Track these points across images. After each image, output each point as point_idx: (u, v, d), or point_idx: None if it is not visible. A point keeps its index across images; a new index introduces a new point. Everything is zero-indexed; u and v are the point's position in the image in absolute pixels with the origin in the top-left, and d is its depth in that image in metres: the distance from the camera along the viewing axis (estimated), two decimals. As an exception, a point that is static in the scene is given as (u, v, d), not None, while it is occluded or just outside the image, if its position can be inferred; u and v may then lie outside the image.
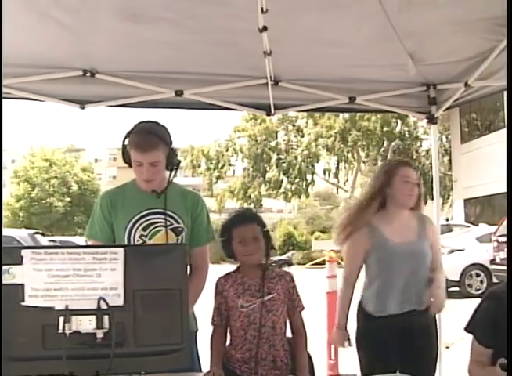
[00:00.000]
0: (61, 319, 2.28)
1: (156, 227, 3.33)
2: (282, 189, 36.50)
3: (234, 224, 3.08)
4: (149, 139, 3.23)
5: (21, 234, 18.43)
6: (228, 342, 3.07)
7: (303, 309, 3.11)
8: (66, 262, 2.36)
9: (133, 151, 3.25)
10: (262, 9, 3.22)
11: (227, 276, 3.11)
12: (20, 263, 2.34)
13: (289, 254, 36.94)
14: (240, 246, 3.04)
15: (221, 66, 4.45)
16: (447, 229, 17.86)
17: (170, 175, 3.41)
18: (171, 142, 3.35)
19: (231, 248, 3.07)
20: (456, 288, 14.71)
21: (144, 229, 3.32)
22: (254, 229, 3.05)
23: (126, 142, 3.31)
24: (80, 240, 29.09)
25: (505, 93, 3.97)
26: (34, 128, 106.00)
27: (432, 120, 5.17)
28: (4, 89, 4.39)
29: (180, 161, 3.47)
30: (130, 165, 3.32)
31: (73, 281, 2.34)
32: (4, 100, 4.51)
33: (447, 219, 20.70)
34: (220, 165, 36.79)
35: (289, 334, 3.11)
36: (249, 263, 3.06)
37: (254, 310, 2.98)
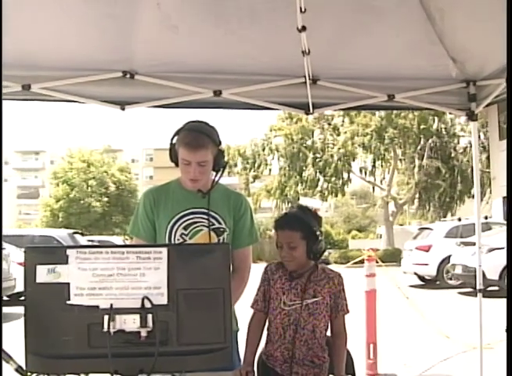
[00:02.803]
0: (106, 317, 2.30)
1: (197, 227, 3.32)
2: (318, 188, 36.35)
3: (276, 226, 3.06)
4: (199, 137, 3.21)
5: (61, 234, 18.75)
6: (266, 335, 3.05)
7: (347, 312, 3.05)
8: (111, 261, 2.38)
9: (182, 149, 3.24)
10: (301, 8, 3.22)
11: (278, 266, 3.07)
12: (66, 262, 2.36)
13: (326, 253, 36.93)
14: (279, 249, 3.03)
15: (259, 65, 4.45)
16: (486, 227, 17.59)
17: (216, 176, 3.40)
18: (219, 143, 3.34)
19: None
20: (496, 287, 14.51)
21: (185, 228, 3.32)
22: (290, 237, 2.98)
23: (174, 141, 3.31)
24: (118, 240, 29.50)
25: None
26: (71, 130, 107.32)
27: (472, 117, 5.11)
28: (45, 92, 4.46)
29: (227, 163, 3.45)
30: (176, 164, 3.32)
31: (117, 280, 2.36)
32: (43, 103, 4.61)
33: (486, 217, 20.33)
34: (256, 165, 36.82)
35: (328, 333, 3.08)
36: (286, 267, 3.04)
37: (295, 311, 2.96)
